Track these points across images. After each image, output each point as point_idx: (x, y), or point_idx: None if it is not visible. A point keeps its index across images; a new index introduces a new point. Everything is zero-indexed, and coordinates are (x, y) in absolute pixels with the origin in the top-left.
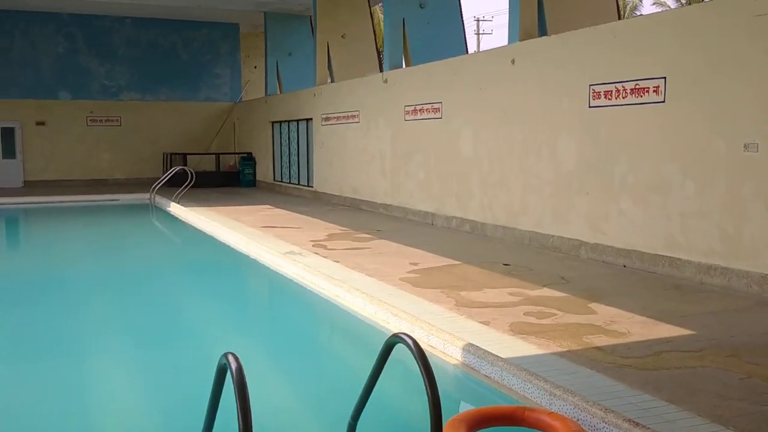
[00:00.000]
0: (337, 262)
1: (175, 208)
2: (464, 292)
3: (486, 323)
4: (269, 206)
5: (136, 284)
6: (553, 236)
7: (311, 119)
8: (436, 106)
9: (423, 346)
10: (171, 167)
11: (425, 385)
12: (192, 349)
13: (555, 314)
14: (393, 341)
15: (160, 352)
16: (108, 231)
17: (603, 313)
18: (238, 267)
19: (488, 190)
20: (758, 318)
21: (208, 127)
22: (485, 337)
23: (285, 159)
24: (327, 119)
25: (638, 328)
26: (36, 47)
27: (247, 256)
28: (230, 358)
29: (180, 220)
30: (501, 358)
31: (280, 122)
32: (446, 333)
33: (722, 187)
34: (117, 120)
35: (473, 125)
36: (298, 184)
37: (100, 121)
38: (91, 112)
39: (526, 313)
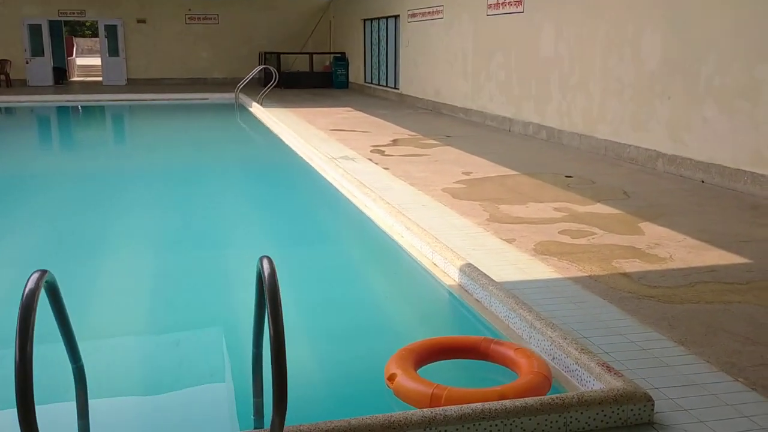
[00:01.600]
0: (387, 169)
1: (256, 108)
2: (505, 206)
3: (510, 241)
4: (350, 108)
5: (182, 178)
6: (629, 146)
7: (398, 16)
8: None
9: (426, 263)
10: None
11: (268, 320)
12: (202, 249)
13: (594, 233)
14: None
15: (171, 247)
16: (185, 128)
17: (651, 233)
18: (287, 169)
19: (567, 93)
20: None
21: (304, 25)
22: (500, 257)
23: (375, 59)
24: (413, 15)
25: (684, 252)
26: None
27: (302, 159)
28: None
29: (256, 119)
30: (493, 281)
31: (371, 20)
32: (450, 251)
33: None
34: (214, 18)
35: (555, 20)
36: (386, 86)
37: (198, 18)
38: (190, 9)
39: (562, 231)
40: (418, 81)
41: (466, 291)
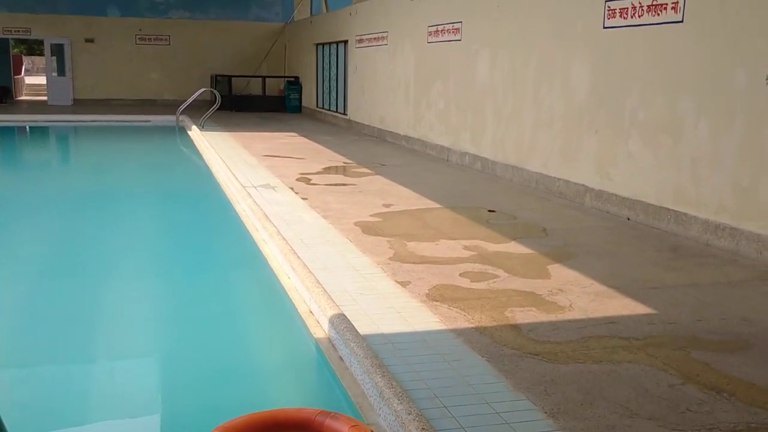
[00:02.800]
0: (305, 199)
1: (195, 132)
2: (413, 243)
3: (404, 284)
4: (294, 134)
5: (88, 202)
6: (559, 180)
7: (347, 41)
8: (456, 26)
9: (303, 310)
10: (217, 89)
11: None
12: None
13: (497, 277)
14: None
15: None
16: (116, 151)
17: (558, 277)
18: (199, 197)
19: (501, 123)
20: (748, 295)
21: (257, 49)
22: (386, 303)
23: (327, 84)
24: (360, 41)
25: (586, 300)
26: None
27: (219, 186)
28: None
29: (192, 142)
30: (358, 336)
31: (323, 44)
32: (326, 297)
33: (740, 128)
34: (166, 39)
35: (490, 48)
36: (336, 111)
37: (149, 39)
38: (140, 30)
39: (463, 273)
40: (365, 107)
41: (333, 346)
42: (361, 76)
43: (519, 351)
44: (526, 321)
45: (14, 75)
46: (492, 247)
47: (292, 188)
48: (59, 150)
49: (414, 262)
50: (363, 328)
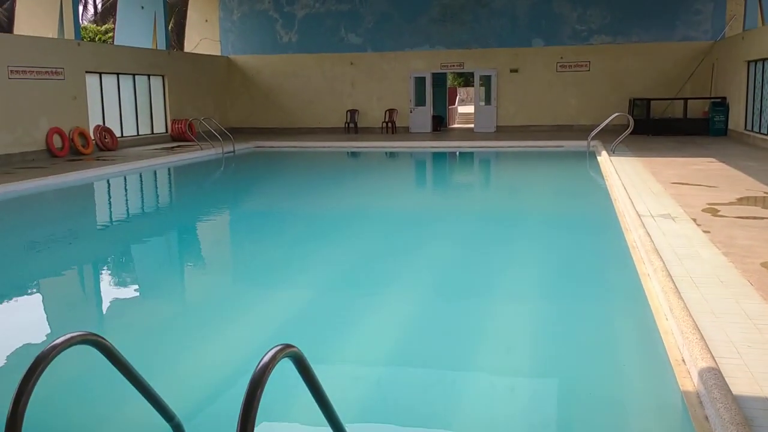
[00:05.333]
0: (707, 232)
1: (604, 156)
2: None
3: None
4: (713, 159)
5: (494, 219)
6: None
7: None
8: None
9: (674, 357)
10: (635, 113)
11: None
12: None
13: None
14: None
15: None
16: (523, 174)
17: None
18: (590, 225)
19: None
20: None
21: (681, 70)
22: None
23: (757, 104)
24: None
25: None
26: None
27: (615, 214)
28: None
29: (599, 168)
30: (729, 395)
31: (755, 61)
32: (701, 346)
33: None
34: (586, 65)
35: None
36: (766, 133)
37: (569, 66)
38: (561, 57)
39: None
40: None
41: (700, 402)
42: None
43: None
44: None
45: (449, 105)
46: None
47: (694, 219)
48: (478, 173)
49: None
50: (740, 387)
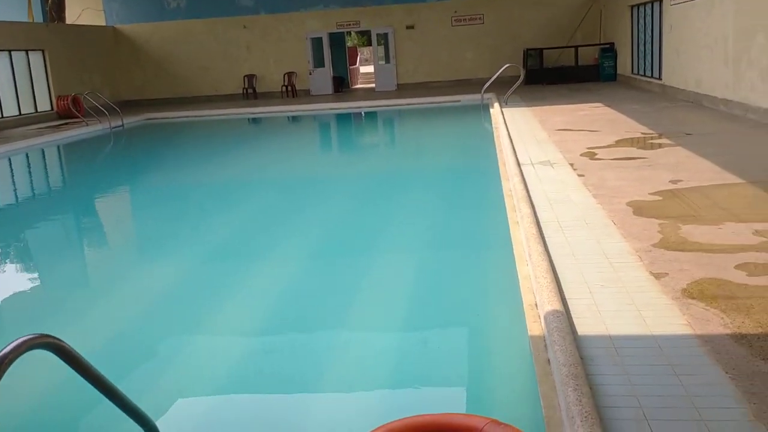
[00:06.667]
0: (582, 176)
1: (496, 109)
2: (689, 226)
3: (659, 276)
4: (599, 104)
5: (387, 174)
6: None
7: (662, 0)
8: None
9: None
10: (529, 63)
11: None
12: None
13: None
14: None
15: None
16: (421, 129)
17: None
18: (473, 174)
19: None
20: None
21: (572, 18)
22: (628, 298)
23: (641, 49)
24: None
25: None
26: None
27: (497, 163)
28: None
29: (491, 119)
30: (566, 337)
31: (637, 5)
32: (551, 290)
33: None
34: (479, 18)
35: None
36: (651, 77)
37: (464, 20)
38: (455, 11)
39: (739, 265)
40: (680, 70)
41: (545, 346)
42: (677, 36)
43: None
44: None
45: (350, 65)
46: None
47: (572, 164)
48: (377, 132)
49: (681, 250)
50: (586, 327)
